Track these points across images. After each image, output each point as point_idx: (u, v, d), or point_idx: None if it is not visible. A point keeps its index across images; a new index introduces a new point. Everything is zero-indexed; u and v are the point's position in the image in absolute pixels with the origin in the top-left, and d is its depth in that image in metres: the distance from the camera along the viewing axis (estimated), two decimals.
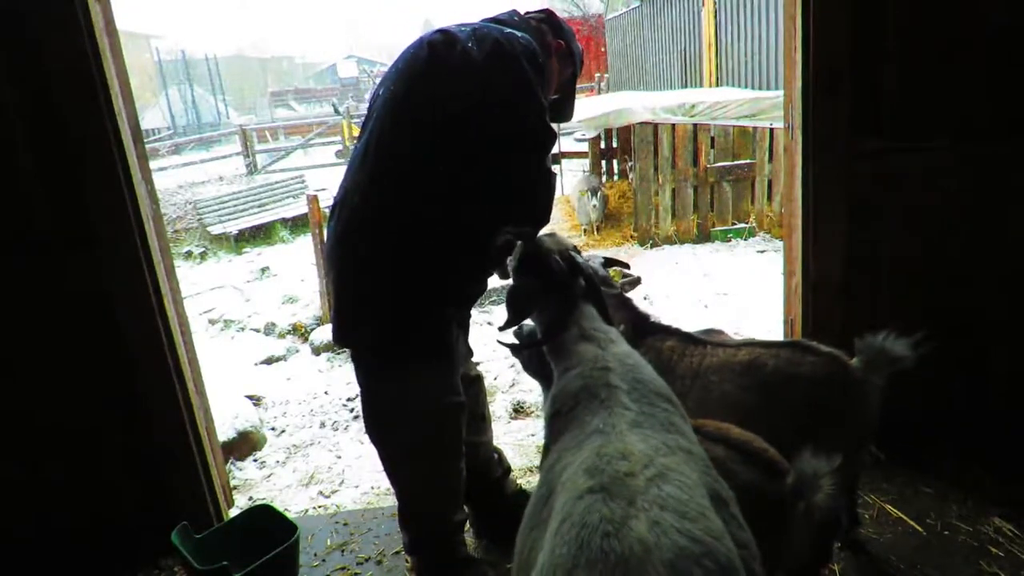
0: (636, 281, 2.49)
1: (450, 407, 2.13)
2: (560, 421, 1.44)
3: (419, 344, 2.06)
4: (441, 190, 1.95)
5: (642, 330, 2.30)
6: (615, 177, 9.04)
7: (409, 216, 1.96)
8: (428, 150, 1.92)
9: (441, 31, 1.95)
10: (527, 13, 2.19)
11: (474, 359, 2.48)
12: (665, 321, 2.41)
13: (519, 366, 4.57)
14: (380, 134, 1.97)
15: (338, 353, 5.13)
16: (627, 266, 2.51)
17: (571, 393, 1.47)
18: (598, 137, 8.64)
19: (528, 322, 2.38)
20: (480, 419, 2.46)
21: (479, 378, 2.49)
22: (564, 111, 2.23)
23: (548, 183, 2.06)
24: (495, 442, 2.65)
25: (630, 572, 0.96)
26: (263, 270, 7.85)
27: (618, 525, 1.02)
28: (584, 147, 9.66)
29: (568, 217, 8.22)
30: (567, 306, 1.74)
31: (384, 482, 3.13)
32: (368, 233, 2.01)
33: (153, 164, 2.99)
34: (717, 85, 11.75)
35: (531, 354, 2.35)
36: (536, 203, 2.05)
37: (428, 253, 1.99)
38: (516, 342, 2.35)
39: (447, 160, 1.92)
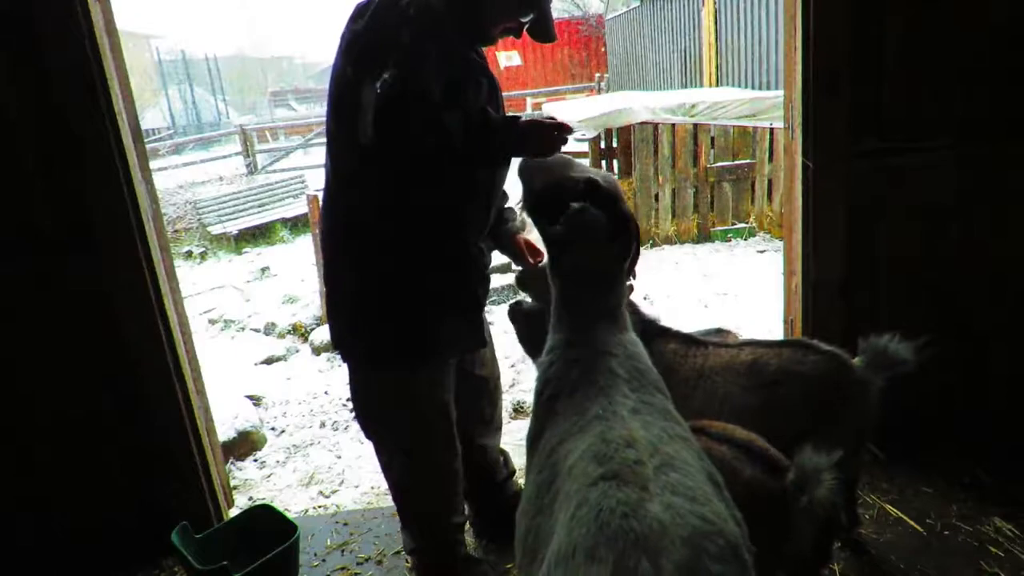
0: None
1: (435, 408, 2.12)
2: (557, 404, 1.45)
3: (403, 345, 2.04)
4: (371, 172, 1.89)
5: (648, 334, 2.30)
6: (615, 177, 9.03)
7: (357, 201, 1.97)
8: (347, 130, 1.84)
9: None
10: None
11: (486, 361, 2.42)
12: (665, 322, 2.40)
13: (519, 366, 4.58)
14: (327, 123, 1.97)
15: (338, 353, 5.13)
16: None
17: (569, 378, 1.46)
18: (598, 137, 8.64)
19: (526, 299, 2.35)
20: (487, 422, 2.45)
21: (490, 380, 2.43)
22: (543, 30, 1.98)
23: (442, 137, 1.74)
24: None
25: (649, 547, 1.02)
26: (263, 270, 7.84)
27: (635, 507, 1.08)
28: (584, 147, 9.65)
29: None
30: (618, 264, 1.62)
31: (384, 482, 3.13)
32: (336, 228, 2.04)
33: (153, 164, 2.99)
34: (717, 85, 11.73)
35: (533, 326, 2.25)
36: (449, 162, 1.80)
37: (389, 243, 1.96)
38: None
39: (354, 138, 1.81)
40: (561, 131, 1.79)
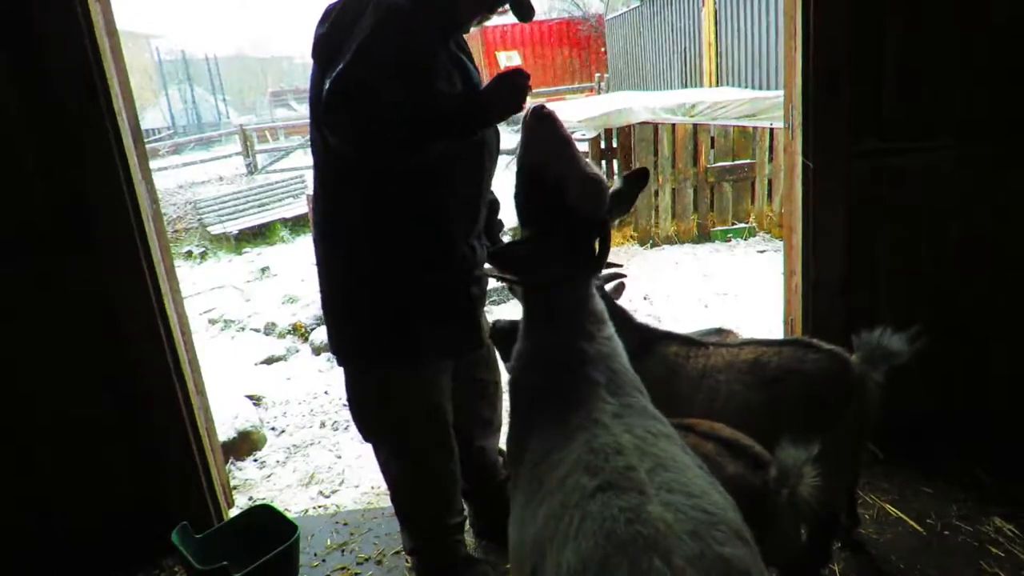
0: (620, 287, 2.41)
1: (429, 409, 2.12)
2: (535, 414, 1.45)
3: (395, 345, 2.03)
4: (352, 173, 1.89)
5: (646, 339, 2.29)
6: (615, 177, 9.04)
7: (341, 201, 1.96)
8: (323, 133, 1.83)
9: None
10: None
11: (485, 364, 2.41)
12: (665, 323, 2.40)
13: None
14: (310, 127, 1.97)
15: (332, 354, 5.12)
16: (620, 266, 2.44)
17: (545, 386, 1.46)
18: (598, 137, 8.64)
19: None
20: (486, 424, 2.45)
21: (489, 383, 2.43)
22: (520, 6, 1.96)
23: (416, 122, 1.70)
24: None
25: (659, 547, 1.05)
26: (263, 270, 7.84)
27: (637, 512, 1.11)
28: (584, 147, 9.65)
29: None
30: (588, 257, 1.55)
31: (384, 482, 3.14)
32: (325, 231, 2.04)
33: (153, 164, 2.99)
34: (717, 85, 11.73)
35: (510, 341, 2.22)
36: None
37: (376, 243, 1.96)
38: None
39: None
40: (520, 79, 1.70)
